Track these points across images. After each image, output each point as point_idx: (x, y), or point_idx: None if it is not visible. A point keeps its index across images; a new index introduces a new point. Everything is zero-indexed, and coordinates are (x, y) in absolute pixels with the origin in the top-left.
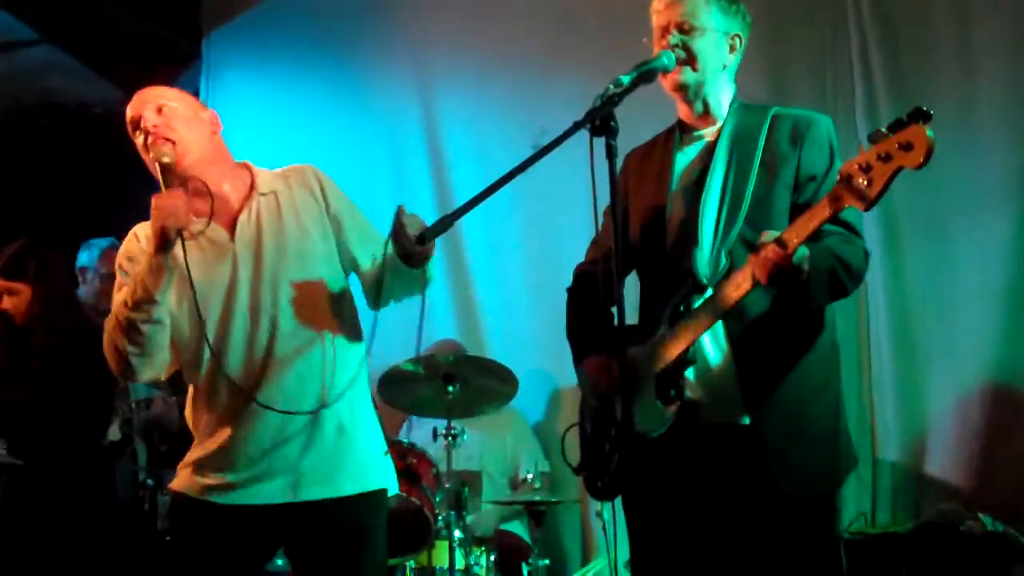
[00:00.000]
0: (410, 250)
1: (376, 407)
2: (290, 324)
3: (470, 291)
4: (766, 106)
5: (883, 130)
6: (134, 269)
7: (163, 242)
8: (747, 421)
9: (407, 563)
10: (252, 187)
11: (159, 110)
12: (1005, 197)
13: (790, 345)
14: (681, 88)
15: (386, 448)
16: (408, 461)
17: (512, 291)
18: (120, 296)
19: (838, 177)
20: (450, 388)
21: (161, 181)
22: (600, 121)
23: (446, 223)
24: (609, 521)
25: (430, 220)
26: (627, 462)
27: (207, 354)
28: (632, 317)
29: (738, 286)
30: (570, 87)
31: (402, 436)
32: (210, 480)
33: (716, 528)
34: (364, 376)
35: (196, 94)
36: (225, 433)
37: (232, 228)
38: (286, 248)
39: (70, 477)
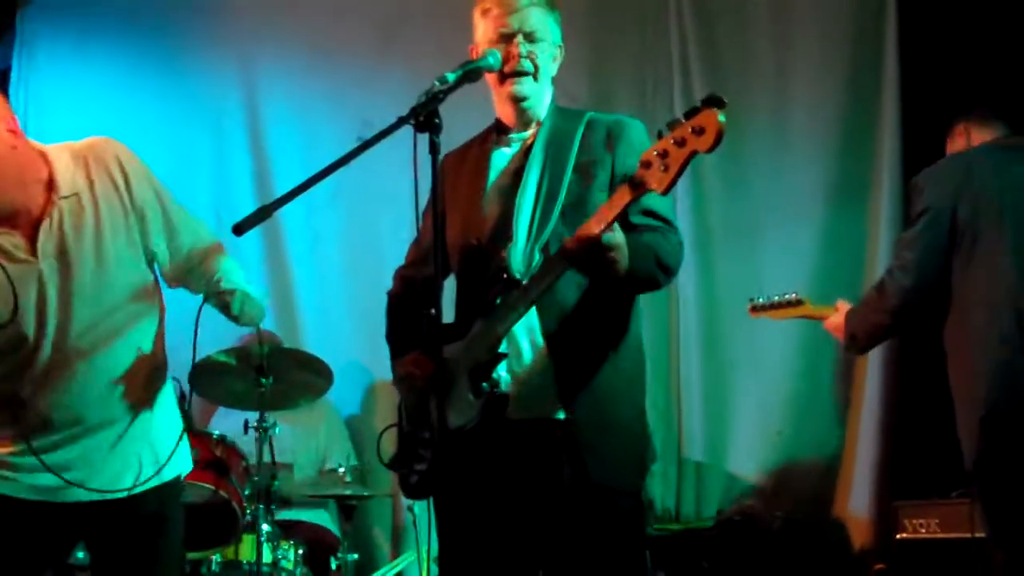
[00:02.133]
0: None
1: (186, 397)
2: (95, 339)
3: (288, 283)
4: (582, 110)
5: (679, 118)
6: None
7: None
8: (561, 416)
9: (213, 556)
10: (51, 188)
11: None
12: (813, 206)
13: (603, 340)
14: (523, 98)
15: (180, 430)
16: (217, 453)
17: (330, 285)
18: None
19: (638, 164)
20: (263, 380)
21: None
22: (424, 117)
23: (263, 214)
24: (420, 516)
25: (249, 210)
26: (440, 459)
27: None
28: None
29: (545, 276)
30: (397, 83)
31: (212, 427)
32: (11, 475)
33: (526, 522)
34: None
35: (8, 71)
36: (20, 430)
37: (33, 240)
38: (93, 259)
39: None
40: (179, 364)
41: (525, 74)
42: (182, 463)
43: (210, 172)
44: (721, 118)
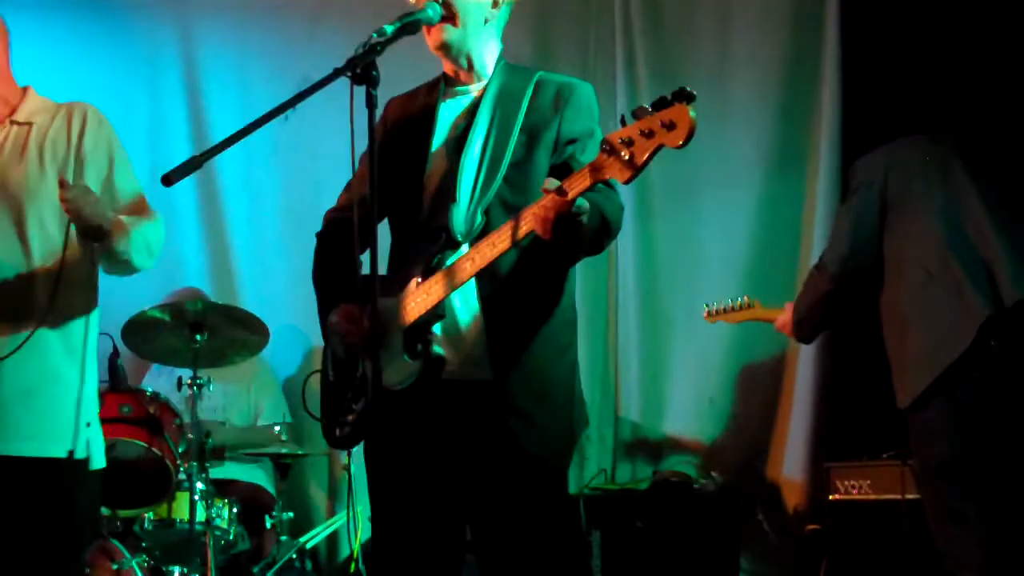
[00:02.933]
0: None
1: (119, 353)
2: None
3: (225, 241)
4: (532, 69)
5: (646, 107)
6: None
7: None
8: (491, 378)
9: (146, 514)
10: (12, 112)
11: None
12: (751, 170)
13: (537, 306)
14: (443, 46)
15: (91, 419)
16: (150, 410)
17: (268, 242)
18: None
19: (600, 148)
20: (197, 337)
21: None
22: (361, 69)
23: (193, 164)
24: (356, 475)
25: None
26: (373, 415)
27: None
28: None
29: (495, 244)
30: (338, 35)
31: (145, 384)
32: None
33: (455, 484)
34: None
35: None
36: None
37: None
38: (14, 184)
39: None
40: (111, 320)
41: (441, 20)
42: (83, 448)
43: (145, 124)
44: (692, 114)
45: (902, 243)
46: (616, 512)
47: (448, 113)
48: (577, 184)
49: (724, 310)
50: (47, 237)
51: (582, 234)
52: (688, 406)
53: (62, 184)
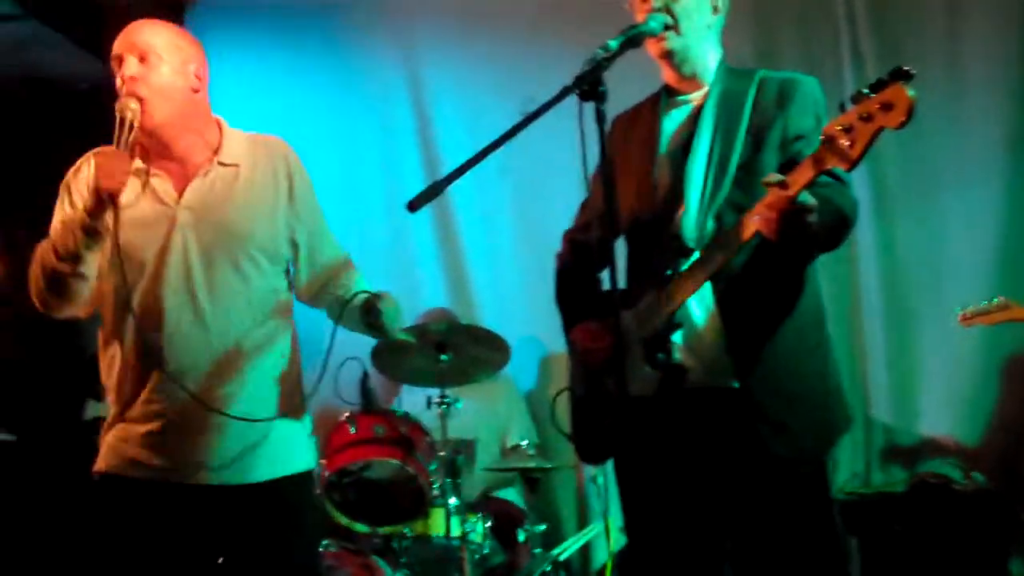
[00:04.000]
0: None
1: (368, 376)
2: (219, 307)
3: (460, 259)
4: (753, 69)
5: (864, 91)
6: (76, 201)
7: (97, 203)
8: (736, 384)
9: (403, 531)
10: (216, 153)
11: (142, 58)
12: (995, 161)
13: (776, 307)
14: (666, 54)
15: (311, 428)
16: (402, 430)
17: (503, 259)
18: (54, 228)
19: (820, 138)
20: (443, 357)
21: (118, 133)
22: (589, 86)
23: (435, 190)
24: (604, 486)
25: (417, 190)
26: (619, 428)
27: (130, 319)
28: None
29: (724, 248)
30: (559, 55)
31: (395, 406)
32: (138, 453)
33: (708, 492)
34: (289, 359)
35: None
36: (148, 408)
37: (182, 191)
38: (230, 227)
39: (50, 452)
40: (360, 344)
41: (664, 28)
42: (311, 457)
43: (378, 155)
44: (911, 93)
45: None
46: (873, 516)
47: (671, 124)
48: (800, 176)
49: (979, 313)
50: (263, 276)
51: (813, 231)
52: (941, 406)
53: (377, 303)
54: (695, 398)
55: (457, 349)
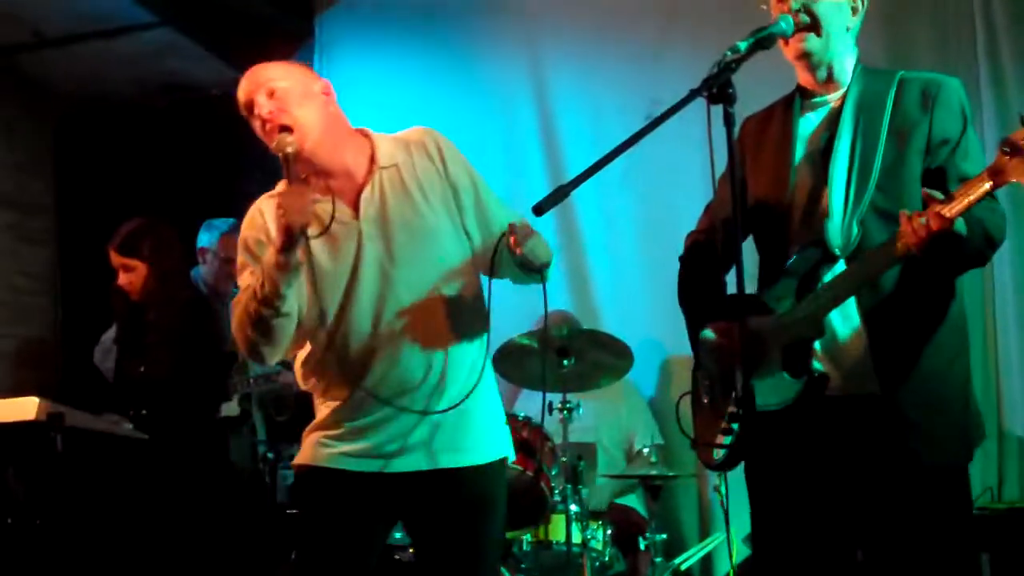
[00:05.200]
0: (531, 269)
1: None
2: (418, 306)
3: (584, 266)
4: (891, 70)
5: None
6: (261, 253)
7: (289, 241)
8: (879, 392)
9: (524, 536)
10: (373, 160)
11: (271, 94)
12: None
13: (924, 316)
14: (805, 55)
15: (504, 417)
16: (523, 435)
17: (625, 263)
18: (247, 282)
19: (999, 149)
20: (564, 362)
21: (285, 171)
22: (717, 88)
23: (560, 195)
24: (727, 496)
25: (542, 194)
26: (749, 434)
27: (326, 338)
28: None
29: (880, 259)
30: (684, 59)
31: (517, 410)
32: (342, 448)
33: (845, 503)
34: (485, 348)
35: None
36: (350, 412)
37: (356, 205)
38: (413, 225)
39: (186, 451)
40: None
41: (802, 29)
42: (507, 446)
43: (503, 159)
44: None
45: None
46: (1006, 532)
47: (807, 126)
48: (975, 189)
49: None
50: (452, 268)
51: (964, 250)
52: None
53: (512, 229)
54: (835, 407)
55: (579, 354)
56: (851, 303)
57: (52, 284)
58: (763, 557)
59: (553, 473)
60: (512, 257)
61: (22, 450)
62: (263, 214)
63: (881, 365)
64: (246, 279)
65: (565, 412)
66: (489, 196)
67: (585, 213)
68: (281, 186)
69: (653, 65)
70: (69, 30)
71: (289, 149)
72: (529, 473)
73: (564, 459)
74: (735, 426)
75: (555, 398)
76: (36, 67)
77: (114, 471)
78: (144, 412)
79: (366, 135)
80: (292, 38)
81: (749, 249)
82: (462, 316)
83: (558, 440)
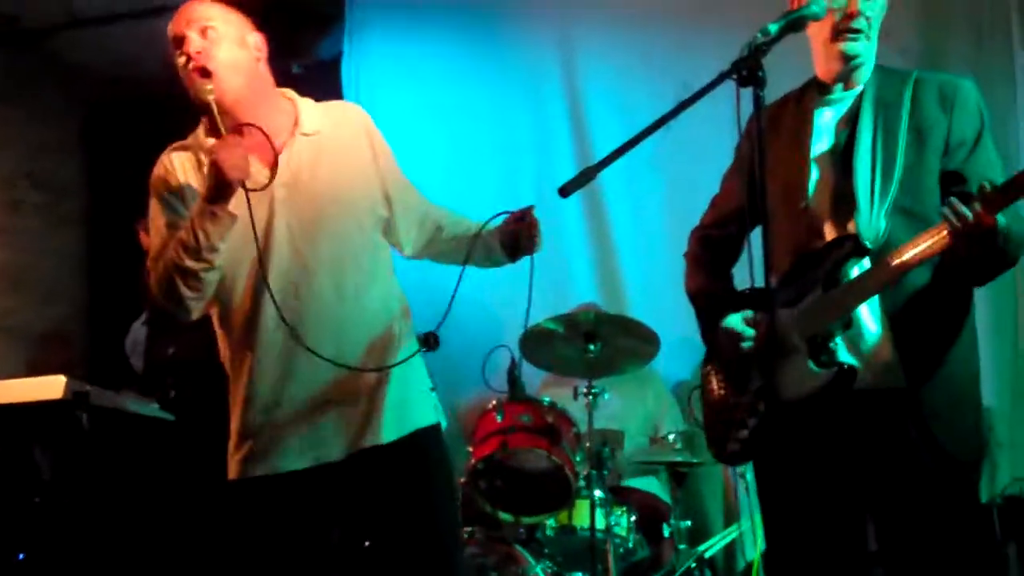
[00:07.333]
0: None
1: (516, 364)
2: (327, 275)
3: (611, 251)
4: (906, 70)
5: None
6: (178, 208)
7: (224, 193)
8: (904, 385)
9: (547, 521)
10: (295, 124)
11: (203, 32)
12: None
13: (947, 315)
14: (854, 57)
15: (430, 384)
16: (549, 420)
17: (654, 250)
18: (171, 238)
19: None
20: (591, 347)
21: (211, 120)
22: (747, 71)
23: (587, 176)
24: (752, 484)
25: (570, 174)
26: (769, 427)
27: (254, 300)
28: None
29: (908, 256)
30: (714, 43)
31: (542, 396)
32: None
33: (863, 494)
34: (404, 325)
35: (339, 56)
36: (272, 384)
37: (273, 167)
38: (325, 195)
39: (213, 432)
40: (509, 332)
41: (859, 32)
42: (437, 413)
43: (530, 142)
44: None
45: None
46: None
47: (825, 120)
48: (996, 199)
49: None
50: (366, 237)
51: (1004, 249)
52: None
53: (531, 225)
54: (860, 400)
55: (606, 340)
56: (877, 299)
57: (83, 266)
58: (780, 549)
59: (578, 459)
60: (505, 243)
61: (48, 429)
62: (175, 166)
63: (907, 359)
64: (159, 228)
65: (591, 398)
66: (406, 180)
67: (613, 201)
68: (197, 137)
69: (684, 50)
70: (103, 11)
71: (209, 96)
72: (554, 458)
73: (589, 445)
74: (752, 419)
75: (581, 384)
76: (69, 48)
77: (140, 451)
78: (172, 394)
79: (290, 99)
80: (323, 21)
81: (754, 242)
82: (376, 283)
83: (583, 426)
